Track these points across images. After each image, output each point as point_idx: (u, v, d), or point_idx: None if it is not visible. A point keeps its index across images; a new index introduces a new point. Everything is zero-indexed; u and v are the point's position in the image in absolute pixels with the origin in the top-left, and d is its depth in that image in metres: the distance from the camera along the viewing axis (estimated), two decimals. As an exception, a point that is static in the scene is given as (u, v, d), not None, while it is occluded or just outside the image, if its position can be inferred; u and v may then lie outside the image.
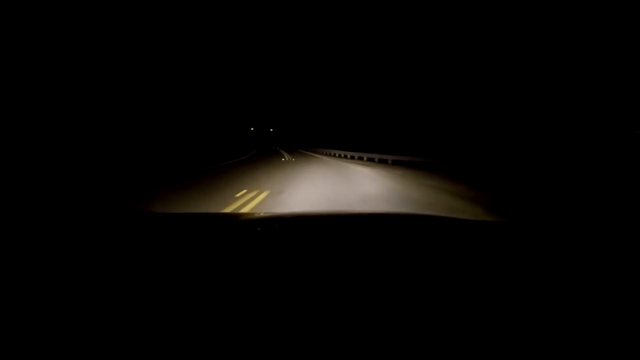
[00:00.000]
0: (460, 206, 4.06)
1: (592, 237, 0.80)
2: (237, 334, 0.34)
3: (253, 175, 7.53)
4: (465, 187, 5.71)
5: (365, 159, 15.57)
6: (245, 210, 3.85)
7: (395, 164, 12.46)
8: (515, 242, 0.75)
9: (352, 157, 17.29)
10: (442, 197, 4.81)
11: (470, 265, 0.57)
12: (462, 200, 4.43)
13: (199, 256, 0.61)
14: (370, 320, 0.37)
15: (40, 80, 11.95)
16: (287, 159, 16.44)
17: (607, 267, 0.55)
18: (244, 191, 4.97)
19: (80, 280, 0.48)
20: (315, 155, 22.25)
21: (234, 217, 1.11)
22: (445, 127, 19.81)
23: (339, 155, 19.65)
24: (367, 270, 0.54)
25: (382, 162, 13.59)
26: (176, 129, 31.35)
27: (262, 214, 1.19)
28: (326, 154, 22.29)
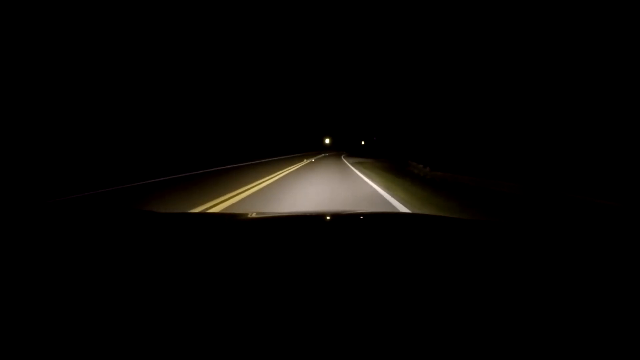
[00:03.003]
0: None
1: (592, 237, 0.80)
2: (235, 333, 0.34)
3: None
4: None
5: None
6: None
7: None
8: (514, 242, 0.75)
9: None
10: None
11: (469, 264, 0.57)
12: None
13: (198, 256, 0.61)
14: (369, 320, 0.37)
15: (35, 78, 12.24)
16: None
17: (606, 267, 0.55)
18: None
19: (81, 279, 0.48)
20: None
21: (234, 217, 1.11)
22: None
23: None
24: (365, 270, 0.54)
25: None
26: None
27: (262, 214, 1.19)
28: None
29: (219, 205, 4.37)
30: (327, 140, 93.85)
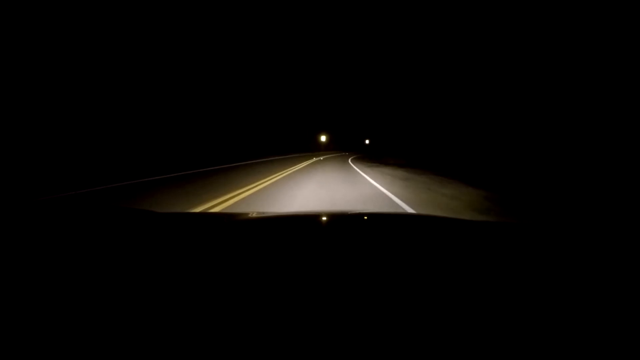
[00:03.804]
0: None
1: (596, 238, 0.79)
2: (235, 333, 0.34)
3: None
4: None
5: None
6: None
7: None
8: (516, 243, 0.75)
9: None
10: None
11: (471, 265, 0.56)
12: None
13: (198, 255, 0.61)
14: (369, 321, 0.37)
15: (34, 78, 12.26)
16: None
17: (610, 267, 0.55)
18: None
19: (81, 279, 0.47)
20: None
21: (234, 217, 1.11)
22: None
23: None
24: (366, 271, 0.53)
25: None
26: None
27: (262, 214, 1.19)
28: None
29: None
30: (322, 138, 74.26)
